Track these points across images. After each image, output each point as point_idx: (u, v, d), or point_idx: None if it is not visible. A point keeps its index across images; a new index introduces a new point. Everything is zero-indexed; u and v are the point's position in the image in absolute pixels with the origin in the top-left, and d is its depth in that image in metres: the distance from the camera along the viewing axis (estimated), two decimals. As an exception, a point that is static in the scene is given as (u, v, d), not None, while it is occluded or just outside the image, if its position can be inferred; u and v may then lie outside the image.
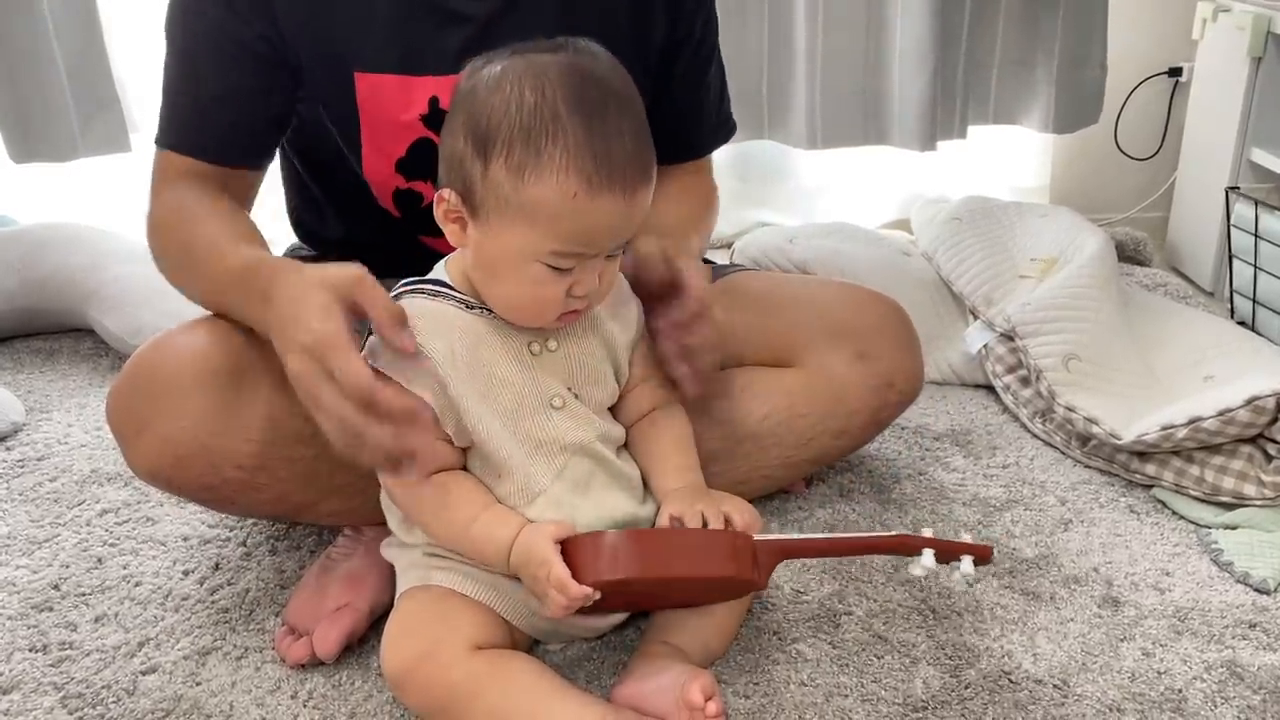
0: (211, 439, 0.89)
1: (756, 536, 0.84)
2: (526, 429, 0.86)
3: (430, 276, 0.88)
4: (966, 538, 0.88)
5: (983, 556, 0.88)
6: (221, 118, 0.99)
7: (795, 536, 0.89)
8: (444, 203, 0.83)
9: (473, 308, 0.86)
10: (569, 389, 0.88)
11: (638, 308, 0.95)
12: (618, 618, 0.92)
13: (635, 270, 0.93)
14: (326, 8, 0.96)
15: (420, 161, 1.00)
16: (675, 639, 0.88)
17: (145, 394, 0.90)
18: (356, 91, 0.98)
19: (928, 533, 0.87)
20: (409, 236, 1.05)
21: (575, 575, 0.78)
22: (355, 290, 0.80)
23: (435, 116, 0.98)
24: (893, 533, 0.88)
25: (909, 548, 0.87)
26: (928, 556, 0.86)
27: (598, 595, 0.78)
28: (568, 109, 0.77)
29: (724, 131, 1.20)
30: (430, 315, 0.85)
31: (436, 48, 0.97)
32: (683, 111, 1.12)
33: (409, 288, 0.88)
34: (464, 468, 0.87)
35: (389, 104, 0.98)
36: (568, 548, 0.79)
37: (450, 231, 0.84)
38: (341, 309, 0.79)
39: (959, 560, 0.87)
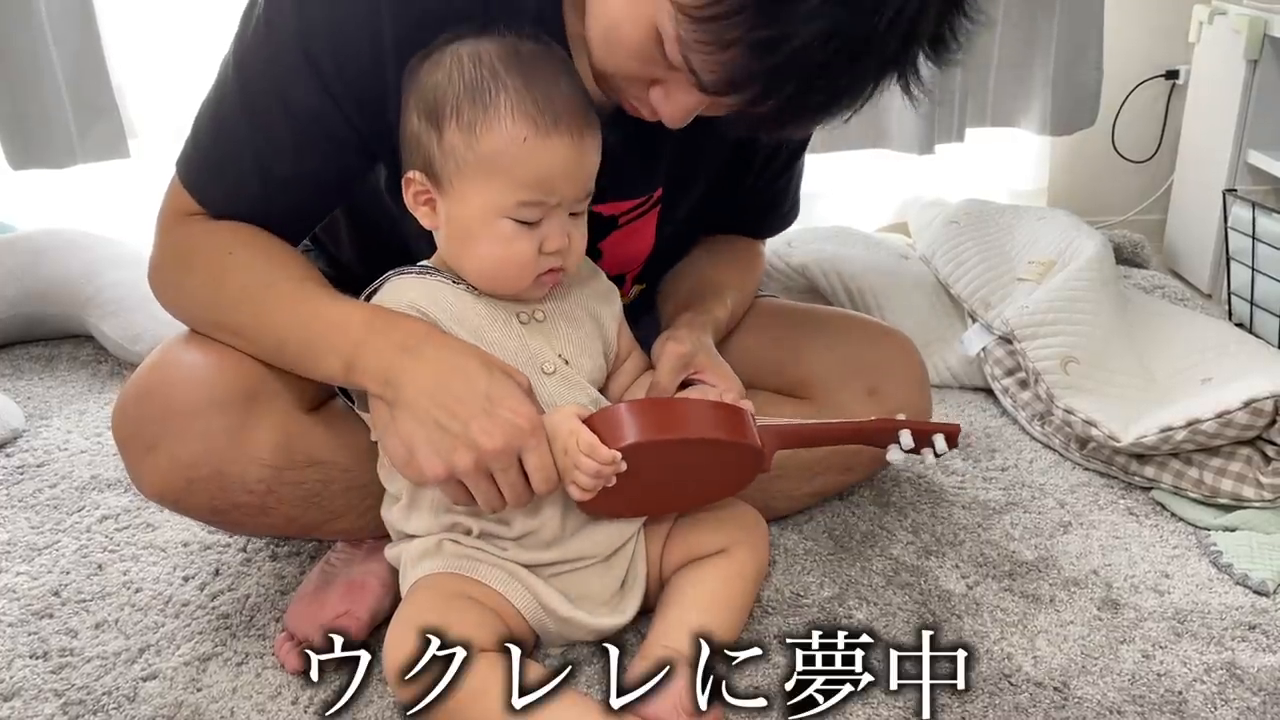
0: (224, 463, 0.87)
1: (761, 421, 0.90)
2: None
3: (417, 265, 0.91)
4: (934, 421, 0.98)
5: (952, 435, 0.96)
6: (285, 201, 0.92)
7: (789, 422, 0.95)
8: (412, 184, 0.86)
9: (459, 283, 0.88)
10: (559, 355, 0.90)
11: (617, 293, 0.98)
12: (620, 619, 0.92)
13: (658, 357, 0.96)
14: None
15: None
16: (675, 643, 0.87)
17: (156, 413, 0.87)
18: None
19: (901, 417, 0.95)
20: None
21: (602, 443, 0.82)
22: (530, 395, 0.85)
23: None
24: (872, 418, 0.96)
25: (887, 431, 0.95)
26: (905, 438, 0.94)
27: (623, 466, 0.81)
28: (505, 66, 0.81)
29: (793, 215, 1.21)
30: (419, 286, 0.88)
31: None
32: (762, 200, 1.14)
33: (396, 271, 0.89)
34: None
35: None
36: (589, 421, 0.83)
37: (422, 215, 0.87)
38: None
39: (933, 444, 0.95)
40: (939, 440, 0.95)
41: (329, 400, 0.95)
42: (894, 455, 0.95)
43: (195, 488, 0.88)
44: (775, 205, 1.17)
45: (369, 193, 0.97)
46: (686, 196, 1.04)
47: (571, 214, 0.86)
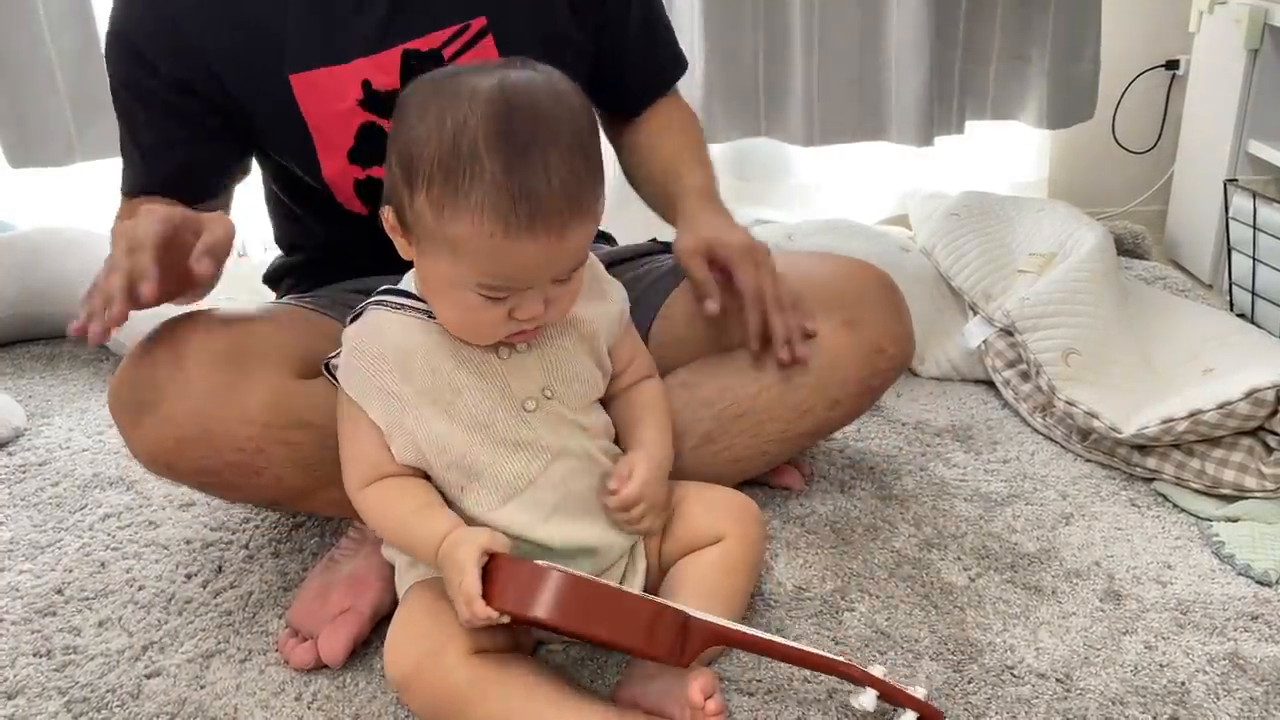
0: (212, 421, 0.89)
1: (696, 614, 0.80)
2: (500, 432, 0.86)
3: (399, 286, 0.89)
4: (920, 692, 0.82)
5: (930, 717, 0.82)
6: (163, 165, 1.04)
7: (735, 628, 0.82)
8: (388, 220, 0.84)
9: (434, 317, 0.86)
10: (543, 390, 0.88)
11: (620, 296, 0.96)
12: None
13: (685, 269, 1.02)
14: (240, 24, 0.98)
15: (371, 146, 1.01)
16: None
17: (146, 378, 0.90)
18: (295, 94, 0.99)
19: (879, 671, 0.81)
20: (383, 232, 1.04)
21: (488, 594, 0.76)
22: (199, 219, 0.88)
23: (372, 98, 1.00)
24: (842, 659, 0.82)
25: (857, 678, 0.81)
26: (869, 695, 0.81)
27: (505, 619, 0.76)
28: (488, 146, 0.74)
29: (681, 65, 1.23)
30: (389, 329, 0.86)
31: (356, 30, 0.99)
32: (643, 47, 1.17)
33: (375, 300, 0.88)
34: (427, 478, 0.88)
35: (326, 97, 0.99)
36: (493, 564, 0.78)
37: (399, 245, 0.85)
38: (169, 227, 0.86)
39: (904, 710, 0.82)
40: (909, 716, 0.81)
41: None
42: (860, 700, 0.81)
43: (185, 447, 0.89)
44: (653, 46, 1.19)
45: (286, 169, 1.07)
46: (520, 26, 1.04)
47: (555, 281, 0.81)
